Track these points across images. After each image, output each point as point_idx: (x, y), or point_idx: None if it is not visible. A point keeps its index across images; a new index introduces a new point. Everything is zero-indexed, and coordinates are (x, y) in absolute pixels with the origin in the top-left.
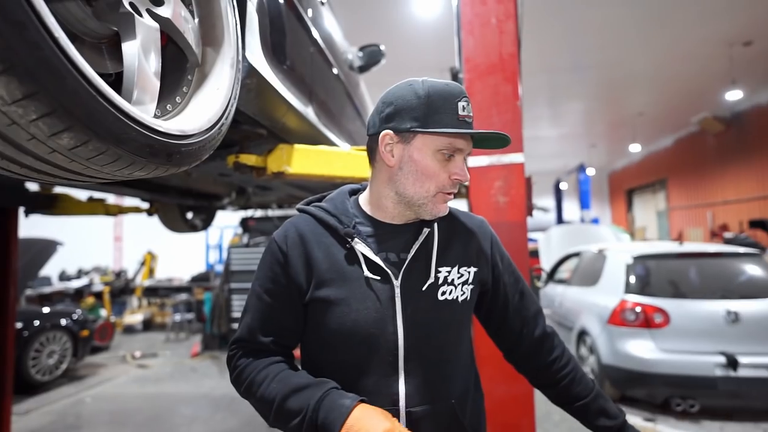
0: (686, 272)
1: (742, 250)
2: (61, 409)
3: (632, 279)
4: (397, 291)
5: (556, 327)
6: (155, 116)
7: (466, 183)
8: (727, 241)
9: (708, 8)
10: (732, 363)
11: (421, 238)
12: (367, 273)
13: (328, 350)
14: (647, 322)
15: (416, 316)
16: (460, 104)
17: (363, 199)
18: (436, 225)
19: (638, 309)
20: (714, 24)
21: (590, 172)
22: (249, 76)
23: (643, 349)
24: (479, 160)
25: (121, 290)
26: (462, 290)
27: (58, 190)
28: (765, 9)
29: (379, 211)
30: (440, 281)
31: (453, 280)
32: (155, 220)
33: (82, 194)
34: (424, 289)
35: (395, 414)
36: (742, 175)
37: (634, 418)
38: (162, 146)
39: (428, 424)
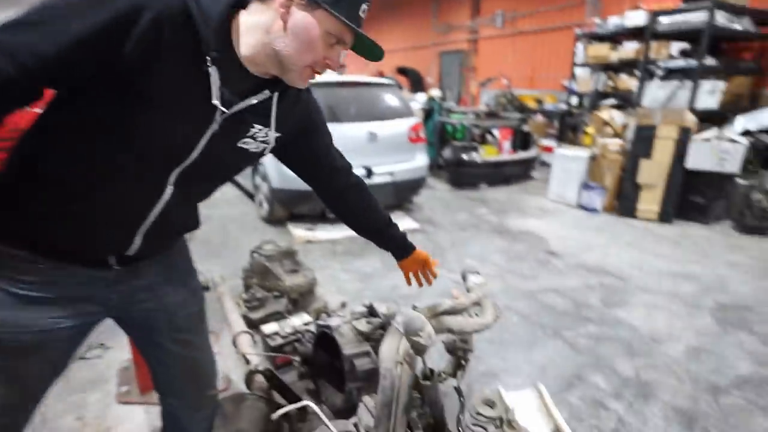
0: (342, 99)
1: (385, 81)
2: None
3: None
4: (215, 125)
5: None
6: None
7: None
8: None
9: None
10: (369, 172)
11: (261, 97)
12: (206, 96)
13: (112, 141)
14: None
15: (212, 150)
16: (363, 6)
17: (235, 26)
18: (277, 92)
19: None
20: None
21: None
22: None
23: None
24: None
25: None
26: (257, 146)
27: None
28: None
29: (246, 52)
30: (249, 133)
31: (257, 136)
32: None
33: None
34: (233, 133)
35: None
36: (395, 29)
37: (297, 230)
38: None
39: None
